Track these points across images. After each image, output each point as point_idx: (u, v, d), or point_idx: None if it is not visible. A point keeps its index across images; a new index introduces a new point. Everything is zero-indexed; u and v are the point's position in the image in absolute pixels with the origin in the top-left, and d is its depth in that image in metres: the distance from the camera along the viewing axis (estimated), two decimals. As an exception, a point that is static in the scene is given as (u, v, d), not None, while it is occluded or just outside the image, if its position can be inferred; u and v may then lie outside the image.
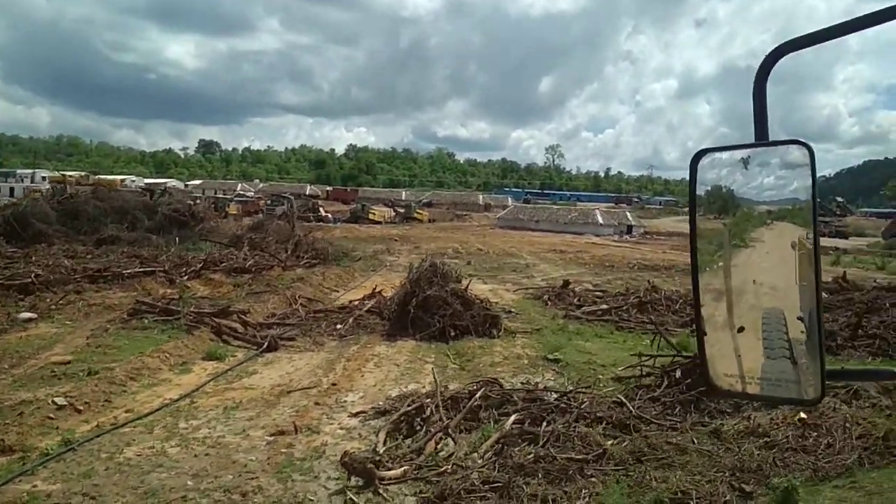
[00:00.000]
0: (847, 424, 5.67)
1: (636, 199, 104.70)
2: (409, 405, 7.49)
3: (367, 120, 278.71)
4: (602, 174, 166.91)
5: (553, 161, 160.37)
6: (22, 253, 17.08)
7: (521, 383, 8.97)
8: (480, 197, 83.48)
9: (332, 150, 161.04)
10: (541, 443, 6.48)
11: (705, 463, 5.61)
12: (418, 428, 7.13)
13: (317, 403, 8.10)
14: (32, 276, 13.78)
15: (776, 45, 1.13)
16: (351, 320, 12.45)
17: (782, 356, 1.11)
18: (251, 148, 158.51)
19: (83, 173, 74.50)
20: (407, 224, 46.60)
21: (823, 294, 1.07)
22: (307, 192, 72.87)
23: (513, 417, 7.15)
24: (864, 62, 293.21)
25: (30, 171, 72.62)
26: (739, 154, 1.19)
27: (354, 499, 5.39)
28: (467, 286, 13.00)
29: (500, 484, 5.52)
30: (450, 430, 6.96)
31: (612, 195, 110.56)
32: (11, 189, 48.70)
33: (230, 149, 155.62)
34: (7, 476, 5.69)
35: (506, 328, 12.38)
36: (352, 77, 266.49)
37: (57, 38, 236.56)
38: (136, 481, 5.72)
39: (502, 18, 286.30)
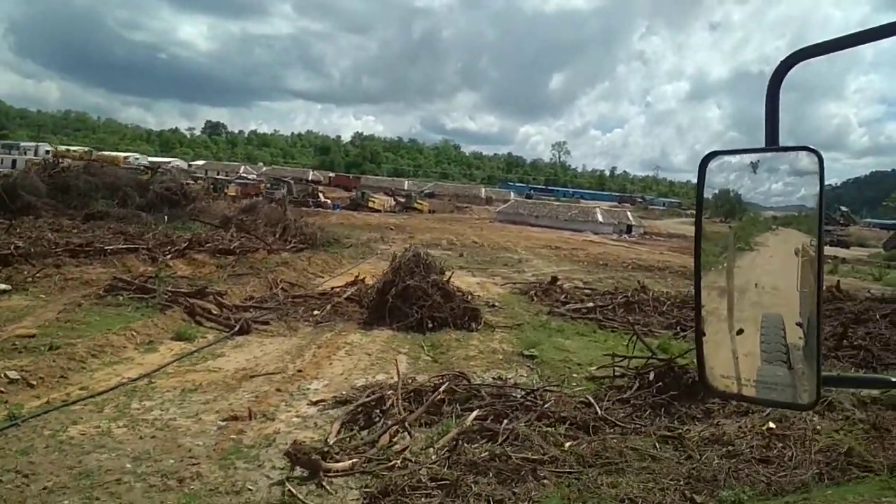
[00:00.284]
0: (808, 438, 5.44)
1: (640, 200, 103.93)
2: (368, 396, 7.30)
3: (376, 108, 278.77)
4: (608, 173, 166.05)
5: (559, 158, 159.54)
6: (6, 224, 16.92)
7: (493, 378, 8.78)
8: (483, 190, 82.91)
9: (339, 136, 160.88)
10: (499, 441, 6.31)
11: (661, 469, 5.41)
12: (377, 420, 6.95)
13: (278, 390, 7.91)
14: (12, 247, 13.62)
15: (790, 52, 1.15)
16: (329, 307, 12.25)
17: (779, 360, 1.12)
18: (257, 131, 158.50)
19: (87, 149, 74.66)
20: (406, 214, 46.27)
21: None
22: (310, 178, 72.56)
23: (474, 413, 6.97)
24: (877, 73, 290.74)
25: (34, 144, 72.84)
26: (749, 158, 1.20)
27: (293, 490, 5.19)
28: (449, 278, 12.79)
29: (447, 482, 5.33)
30: (407, 424, 6.78)
31: (616, 194, 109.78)
32: (14, 161, 49.17)
33: (237, 131, 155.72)
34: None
35: (486, 322, 12.20)
36: (363, 65, 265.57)
37: (69, 14, 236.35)
38: (73, 461, 5.55)
39: (516, 13, 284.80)
